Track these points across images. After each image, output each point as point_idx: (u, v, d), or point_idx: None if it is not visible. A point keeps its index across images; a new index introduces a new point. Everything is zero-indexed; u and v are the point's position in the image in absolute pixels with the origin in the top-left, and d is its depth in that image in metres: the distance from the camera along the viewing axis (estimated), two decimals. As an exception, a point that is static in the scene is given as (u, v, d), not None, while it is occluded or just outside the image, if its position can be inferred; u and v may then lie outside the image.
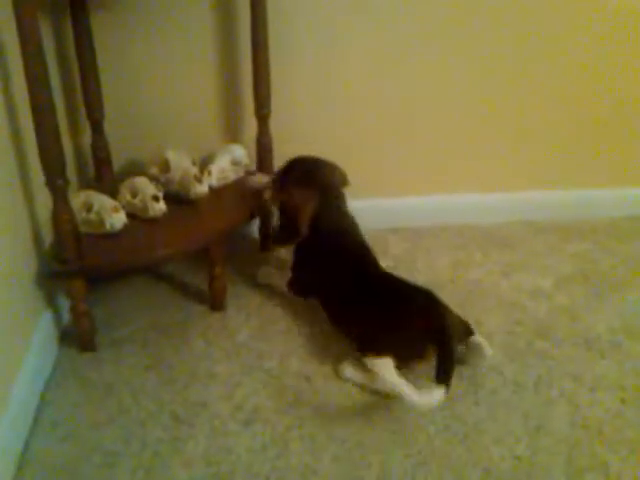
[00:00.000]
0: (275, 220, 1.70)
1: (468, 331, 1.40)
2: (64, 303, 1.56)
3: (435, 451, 1.23)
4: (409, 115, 1.93)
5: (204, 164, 1.72)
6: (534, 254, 1.90)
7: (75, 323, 1.47)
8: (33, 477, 1.19)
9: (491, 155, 2.01)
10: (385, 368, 1.28)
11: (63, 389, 1.39)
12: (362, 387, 1.38)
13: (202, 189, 1.62)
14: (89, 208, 1.47)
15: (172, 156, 1.65)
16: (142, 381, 1.41)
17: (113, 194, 1.56)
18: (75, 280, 1.41)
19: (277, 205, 1.64)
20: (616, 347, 1.50)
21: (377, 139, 1.94)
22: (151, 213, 1.54)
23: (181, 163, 1.64)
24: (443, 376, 1.24)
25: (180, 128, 1.83)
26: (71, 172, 1.34)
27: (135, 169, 1.79)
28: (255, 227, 1.90)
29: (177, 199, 1.62)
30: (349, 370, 1.40)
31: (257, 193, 1.68)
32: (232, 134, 1.88)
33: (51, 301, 1.51)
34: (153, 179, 1.63)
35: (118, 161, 1.81)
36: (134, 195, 1.55)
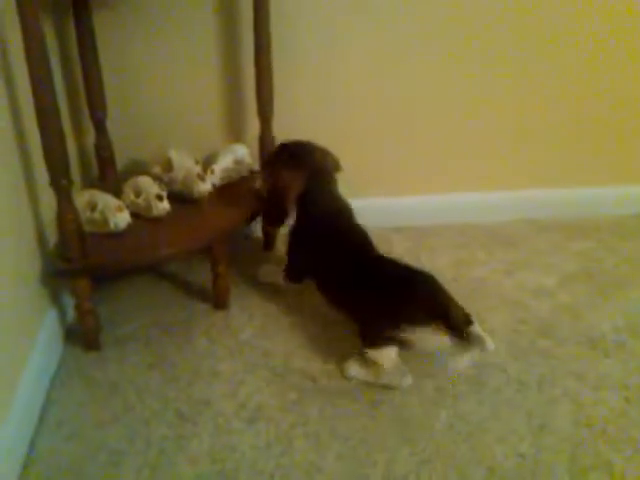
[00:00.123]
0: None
1: (467, 320, 1.39)
2: (69, 302, 1.57)
3: (439, 449, 1.23)
4: (412, 114, 1.93)
5: (207, 163, 1.72)
6: (537, 253, 1.90)
7: (80, 322, 1.47)
8: (39, 476, 1.19)
9: (494, 154, 2.01)
10: (387, 359, 1.33)
11: (68, 388, 1.40)
12: (367, 384, 1.39)
13: (205, 188, 1.62)
14: (93, 207, 1.48)
15: (175, 155, 1.65)
16: (146, 379, 1.41)
17: (117, 193, 1.56)
18: (80, 279, 1.41)
19: (268, 187, 1.62)
20: (620, 346, 1.50)
21: (380, 139, 1.95)
22: (155, 212, 1.54)
23: (184, 162, 1.65)
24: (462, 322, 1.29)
25: (183, 128, 1.83)
26: (75, 172, 1.35)
27: (138, 169, 1.79)
28: (258, 226, 1.90)
29: (180, 198, 1.62)
30: (354, 368, 1.40)
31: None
32: (235, 134, 1.89)
33: (56, 300, 1.51)
34: (156, 178, 1.63)
35: (121, 161, 1.82)
36: (138, 194, 1.56)
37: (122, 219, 1.48)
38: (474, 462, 1.20)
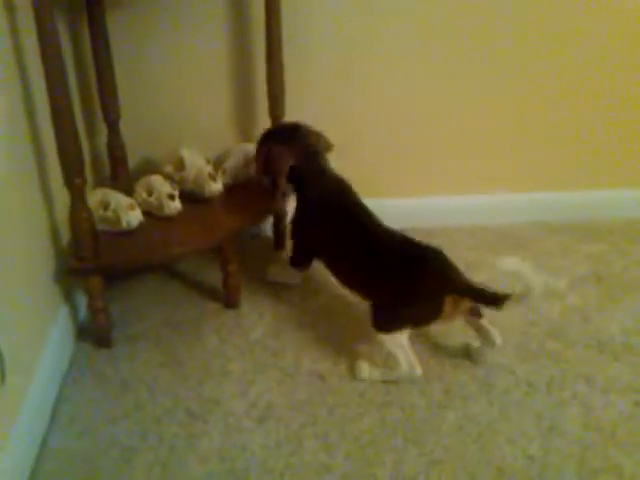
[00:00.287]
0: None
1: (477, 312, 1.40)
2: (81, 300, 1.58)
3: (448, 450, 1.23)
4: (422, 115, 1.93)
5: (218, 163, 1.73)
6: (547, 255, 1.90)
7: (92, 320, 1.49)
8: (51, 471, 1.20)
9: (506, 155, 2.00)
10: (399, 346, 1.35)
11: (80, 385, 1.41)
12: (377, 384, 1.40)
13: (217, 187, 1.63)
14: (106, 206, 1.49)
15: (187, 155, 1.66)
16: (157, 377, 1.42)
17: (129, 192, 1.57)
18: (92, 277, 1.43)
19: (259, 166, 1.63)
20: (629, 349, 1.50)
21: (390, 139, 1.95)
22: (166, 211, 1.55)
23: (195, 162, 1.66)
24: (490, 298, 1.28)
25: (195, 127, 1.84)
26: (87, 171, 1.36)
27: (150, 168, 1.80)
28: (269, 225, 1.91)
29: (192, 197, 1.63)
30: (365, 369, 1.41)
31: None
32: (246, 133, 1.89)
33: (68, 298, 1.53)
34: (168, 178, 1.64)
35: (133, 160, 1.83)
36: (150, 193, 1.57)
37: (134, 217, 1.49)
38: (483, 463, 1.20)
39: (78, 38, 1.69)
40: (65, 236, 1.50)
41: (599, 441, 1.25)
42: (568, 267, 1.83)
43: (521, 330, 1.56)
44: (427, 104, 1.92)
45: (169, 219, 1.56)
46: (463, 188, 2.04)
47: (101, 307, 1.46)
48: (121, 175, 1.77)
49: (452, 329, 1.52)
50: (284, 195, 1.66)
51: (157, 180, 1.59)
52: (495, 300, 1.28)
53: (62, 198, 1.41)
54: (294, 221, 1.64)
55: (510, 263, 1.28)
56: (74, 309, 1.55)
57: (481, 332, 1.41)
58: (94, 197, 1.50)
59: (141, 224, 1.51)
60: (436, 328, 1.50)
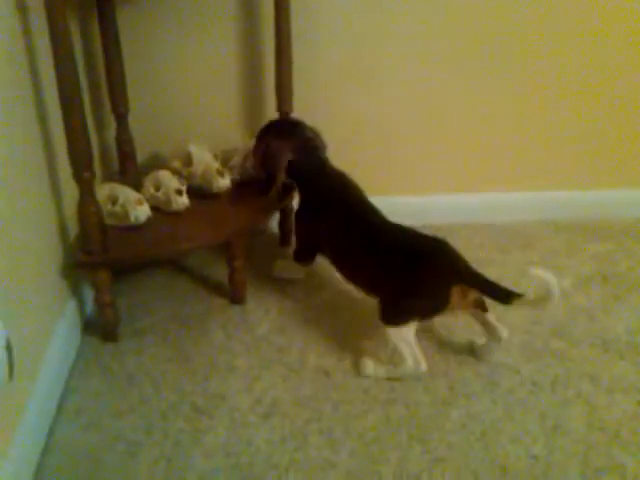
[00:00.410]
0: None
1: (483, 305, 1.40)
2: (88, 294, 1.59)
3: (452, 448, 1.24)
4: (431, 114, 1.93)
5: (226, 159, 1.74)
6: (553, 253, 1.90)
7: (99, 314, 1.50)
8: (57, 464, 1.21)
9: (514, 154, 2.00)
10: (405, 342, 1.35)
11: (86, 378, 1.42)
12: (381, 381, 1.40)
13: (224, 183, 1.64)
14: (114, 201, 1.50)
15: (195, 150, 1.67)
16: (163, 372, 1.43)
17: (137, 187, 1.58)
18: (100, 271, 1.43)
19: (257, 161, 1.63)
20: (634, 348, 1.50)
21: (399, 136, 1.95)
22: (174, 206, 1.56)
23: (203, 157, 1.66)
24: (498, 292, 1.30)
25: (203, 123, 1.85)
26: (96, 165, 1.36)
27: (158, 163, 1.81)
28: (275, 222, 1.92)
29: (199, 193, 1.63)
30: (370, 366, 1.42)
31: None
32: (254, 129, 1.89)
33: (76, 292, 1.53)
34: (175, 173, 1.65)
35: (141, 155, 1.84)
36: (157, 188, 1.58)
37: (142, 212, 1.50)
38: (487, 462, 1.21)
39: (88, 34, 1.70)
40: (73, 230, 1.51)
41: (603, 440, 1.25)
42: (574, 266, 1.83)
43: (525, 329, 1.56)
44: (435, 101, 1.93)
45: (177, 214, 1.57)
46: (471, 186, 2.04)
47: (108, 301, 1.47)
48: (129, 170, 1.78)
49: (458, 325, 1.53)
50: (290, 191, 1.67)
51: (165, 175, 1.59)
52: (503, 295, 1.29)
53: (70, 192, 1.42)
54: (297, 215, 1.65)
55: (541, 274, 1.29)
56: (81, 303, 1.56)
57: (487, 327, 1.42)
58: (102, 192, 1.51)
59: (149, 219, 1.51)
60: (443, 321, 1.52)
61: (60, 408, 1.33)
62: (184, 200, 1.57)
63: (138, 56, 1.75)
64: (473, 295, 1.35)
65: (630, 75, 1.93)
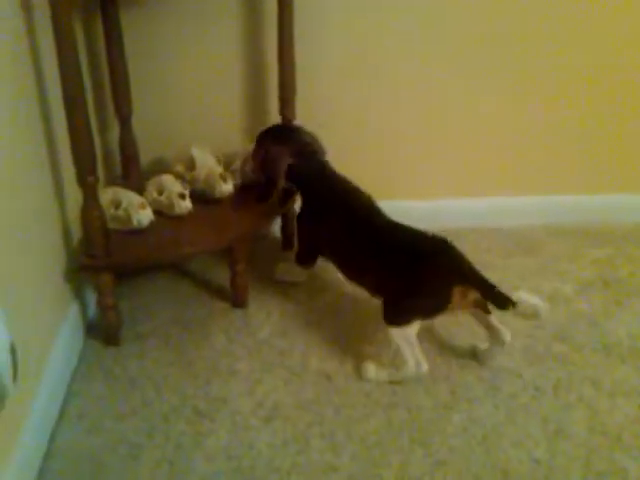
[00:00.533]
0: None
1: (485, 306, 1.39)
2: (91, 297, 1.59)
3: (454, 452, 1.24)
4: (436, 118, 1.94)
5: (229, 163, 1.74)
6: (555, 258, 1.90)
7: (102, 317, 1.50)
8: (59, 467, 1.21)
9: (517, 158, 2.01)
10: (407, 342, 1.35)
11: (88, 381, 1.42)
12: (383, 384, 1.40)
13: (227, 188, 1.64)
14: (117, 205, 1.50)
15: (198, 154, 1.67)
16: (165, 375, 1.43)
17: (140, 191, 1.58)
18: (103, 275, 1.44)
19: (257, 165, 1.64)
20: (636, 353, 1.50)
21: (403, 141, 1.95)
22: (177, 210, 1.57)
23: (206, 162, 1.67)
24: (495, 295, 1.30)
25: (206, 127, 1.85)
26: (99, 169, 1.37)
27: (161, 167, 1.81)
28: (277, 226, 1.92)
29: (202, 198, 1.64)
30: (371, 370, 1.42)
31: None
32: (257, 132, 1.89)
33: (78, 295, 1.54)
34: (178, 177, 1.65)
35: (144, 159, 1.84)
36: (160, 192, 1.58)
37: (145, 216, 1.50)
38: (488, 466, 1.21)
39: (92, 35, 1.70)
40: (76, 234, 1.52)
41: (605, 444, 1.25)
42: (575, 271, 1.83)
43: (527, 333, 1.56)
44: (439, 105, 1.93)
45: (179, 218, 1.57)
46: (476, 190, 2.04)
47: (111, 304, 1.48)
48: (132, 174, 1.79)
49: (460, 329, 1.53)
50: (291, 195, 1.67)
51: (168, 179, 1.60)
52: (500, 300, 1.30)
53: (73, 196, 1.43)
54: (299, 218, 1.66)
55: (526, 298, 1.31)
56: (84, 306, 1.56)
57: (490, 330, 1.42)
58: (105, 195, 1.51)
59: (152, 223, 1.52)
60: (445, 325, 1.53)
61: (62, 411, 1.33)
62: (187, 204, 1.57)
63: (141, 59, 1.75)
64: (473, 295, 1.35)
65: (634, 80, 1.93)
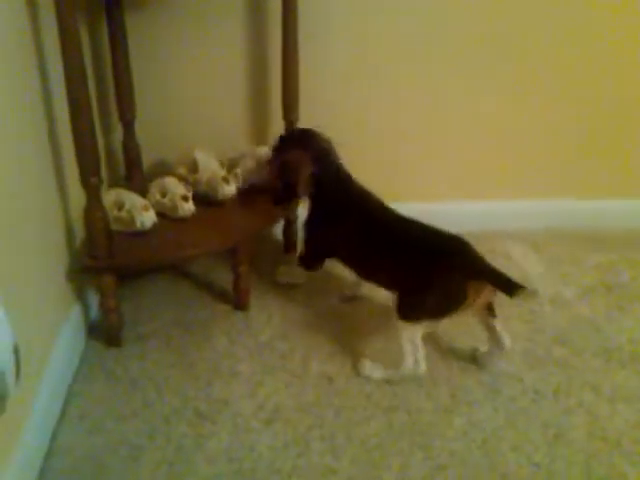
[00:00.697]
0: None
1: (492, 309, 1.40)
2: (92, 299, 1.60)
3: (454, 455, 1.24)
4: (441, 121, 1.95)
5: (232, 166, 1.74)
6: (557, 262, 1.90)
7: (103, 318, 1.50)
8: (60, 468, 1.22)
9: (522, 162, 2.02)
10: (410, 343, 1.36)
11: (89, 382, 1.42)
12: (383, 388, 1.40)
13: (230, 191, 1.65)
14: (120, 206, 1.51)
15: (200, 157, 1.68)
16: (166, 377, 1.44)
17: (143, 193, 1.59)
18: (105, 276, 1.44)
19: (275, 170, 1.63)
20: (636, 358, 1.50)
21: (406, 144, 1.96)
22: (180, 213, 1.57)
23: (209, 164, 1.67)
24: (512, 287, 1.27)
25: (209, 129, 1.86)
26: (102, 171, 1.37)
27: (164, 170, 1.82)
28: (279, 228, 1.92)
29: (205, 200, 1.64)
30: (369, 367, 1.43)
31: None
32: (260, 136, 1.91)
33: (80, 296, 1.54)
34: (181, 179, 1.66)
35: (147, 161, 1.84)
36: (163, 195, 1.59)
37: (148, 218, 1.51)
38: (488, 469, 1.21)
39: (96, 39, 1.71)
40: (79, 235, 1.52)
41: (605, 449, 1.26)
42: (577, 275, 1.83)
43: (528, 337, 1.57)
44: (441, 107, 1.94)
45: (182, 221, 1.58)
46: (478, 193, 2.05)
47: (113, 306, 1.48)
48: (135, 176, 1.79)
49: (462, 332, 1.54)
50: (294, 197, 1.67)
51: (171, 182, 1.60)
52: (510, 286, 1.28)
53: (76, 197, 1.43)
54: (309, 224, 1.63)
55: (519, 252, 1.30)
56: (86, 307, 1.57)
57: (492, 333, 1.42)
58: (108, 197, 1.52)
59: (155, 225, 1.52)
60: (446, 328, 1.52)
61: (64, 411, 1.34)
62: (190, 206, 1.58)
63: (145, 62, 1.76)
64: (486, 297, 1.35)
65: (636, 84, 1.93)
